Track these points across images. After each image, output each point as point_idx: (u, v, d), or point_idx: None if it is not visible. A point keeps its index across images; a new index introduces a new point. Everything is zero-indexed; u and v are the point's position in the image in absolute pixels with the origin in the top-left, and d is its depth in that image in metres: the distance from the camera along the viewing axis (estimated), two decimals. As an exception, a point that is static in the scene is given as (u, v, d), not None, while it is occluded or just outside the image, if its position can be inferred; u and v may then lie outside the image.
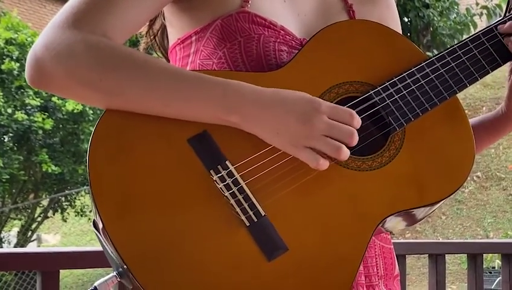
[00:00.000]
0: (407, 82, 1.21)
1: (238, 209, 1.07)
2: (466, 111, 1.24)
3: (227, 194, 1.08)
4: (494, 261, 8.48)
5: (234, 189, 1.08)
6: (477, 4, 9.28)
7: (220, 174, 1.08)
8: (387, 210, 1.13)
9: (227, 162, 1.09)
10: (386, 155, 1.16)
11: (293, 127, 1.08)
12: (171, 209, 1.06)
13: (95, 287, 1.07)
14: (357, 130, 1.11)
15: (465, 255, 2.97)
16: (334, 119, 1.09)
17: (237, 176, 1.09)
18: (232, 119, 1.10)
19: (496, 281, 7.71)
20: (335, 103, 1.16)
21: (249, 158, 1.10)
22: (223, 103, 1.09)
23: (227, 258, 1.05)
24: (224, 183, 1.08)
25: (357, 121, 1.11)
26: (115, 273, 1.07)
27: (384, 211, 1.12)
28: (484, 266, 2.99)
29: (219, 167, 1.09)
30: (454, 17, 9.42)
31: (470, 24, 9.46)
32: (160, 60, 1.13)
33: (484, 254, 2.98)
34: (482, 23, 9.34)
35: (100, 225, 1.05)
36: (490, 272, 8.02)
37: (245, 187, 1.09)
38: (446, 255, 2.78)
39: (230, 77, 1.13)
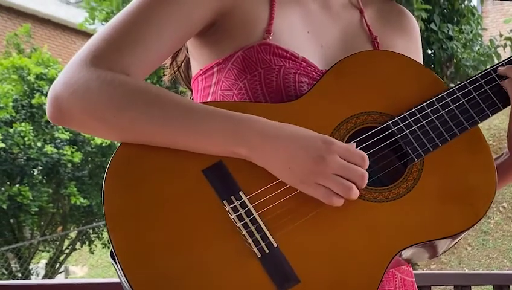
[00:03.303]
0: (426, 112, 1.19)
1: (250, 240, 1.07)
2: (490, 141, 1.23)
3: (239, 224, 1.07)
4: (522, 293, 8.37)
5: (247, 219, 1.08)
6: (500, 36, 9.26)
7: (233, 205, 1.08)
8: (404, 242, 1.10)
9: (240, 192, 1.09)
10: (403, 186, 1.14)
11: (305, 164, 1.08)
12: (183, 240, 1.06)
13: None
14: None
15: (492, 286, 2.96)
16: (346, 160, 1.09)
17: (250, 206, 1.09)
18: (241, 152, 1.10)
19: (525, 314, 7.61)
20: (352, 133, 1.15)
21: (263, 188, 1.10)
22: (232, 136, 1.10)
23: None
24: (237, 213, 1.08)
25: (367, 165, 1.10)
26: None
27: (400, 243, 1.10)
28: (511, 298, 2.99)
29: (232, 197, 1.09)
30: (478, 49, 9.40)
31: (494, 55, 9.44)
32: (172, 94, 1.13)
33: (511, 286, 2.98)
34: (505, 55, 9.32)
35: (115, 258, 1.06)
36: (518, 305, 7.92)
37: (257, 218, 1.08)
38: (472, 286, 2.75)
39: (246, 107, 1.13)
